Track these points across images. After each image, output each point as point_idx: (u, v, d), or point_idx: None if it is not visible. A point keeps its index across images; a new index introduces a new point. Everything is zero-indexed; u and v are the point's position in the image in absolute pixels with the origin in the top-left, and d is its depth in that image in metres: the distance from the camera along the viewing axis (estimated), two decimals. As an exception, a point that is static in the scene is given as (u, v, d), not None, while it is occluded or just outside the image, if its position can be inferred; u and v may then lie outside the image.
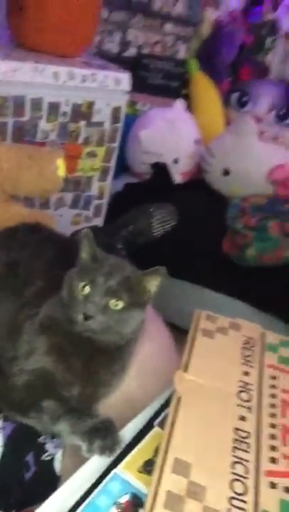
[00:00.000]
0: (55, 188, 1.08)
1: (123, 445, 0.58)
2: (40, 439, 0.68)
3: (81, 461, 0.60)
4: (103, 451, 0.59)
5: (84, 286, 0.65)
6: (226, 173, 1.73)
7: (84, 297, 0.64)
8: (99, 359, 0.68)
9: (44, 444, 0.68)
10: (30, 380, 0.68)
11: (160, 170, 1.82)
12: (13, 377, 0.68)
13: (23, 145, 1.18)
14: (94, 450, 0.60)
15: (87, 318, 0.63)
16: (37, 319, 0.70)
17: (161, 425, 0.59)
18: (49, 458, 0.68)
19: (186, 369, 0.61)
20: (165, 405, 0.62)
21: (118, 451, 0.58)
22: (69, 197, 1.52)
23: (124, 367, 0.71)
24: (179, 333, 0.86)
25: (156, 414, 0.61)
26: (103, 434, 0.61)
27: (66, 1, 1.29)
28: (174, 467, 0.48)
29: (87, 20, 1.40)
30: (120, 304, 0.65)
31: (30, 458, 0.67)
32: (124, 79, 1.43)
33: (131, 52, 2.01)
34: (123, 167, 1.89)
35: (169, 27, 2.04)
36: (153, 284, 0.68)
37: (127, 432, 0.60)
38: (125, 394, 0.71)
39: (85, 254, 0.69)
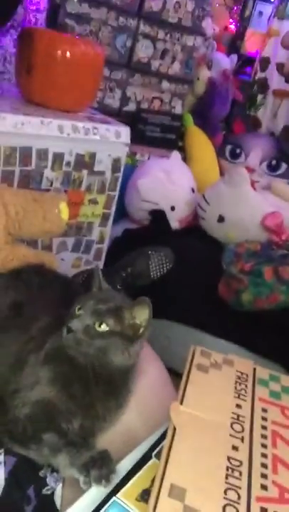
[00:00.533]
0: (59, 230, 1.12)
1: (119, 474, 0.61)
2: (41, 473, 0.70)
3: (80, 492, 0.63)
4: (99, 480, 0.61)
5: (79, 309, 0.70)
6: (221, 219, 1.80)
7: (76, 315, 0.70)
8: (96, 393, 0.71)
9: (45, 477, 0.70)
10: (33, 411, 0.70)
11: (158, 216, 1.90)
12: (15, 409, 0.70)
13: (28, 190, 1.24)
14: (90, 481, 0.62)
15: (69, 331, 0.68)
16: (42, 351, 0.73)
17: (159, 456, 0.62)
18: (49, 492, 0.69)
19: (181, 401, 0.65)
20: (162, 438, 0.65)
21: (114, 481, 0.60)
22: (71, 241, 1.57)
23: (120, 404, 0.74)
24: (176, 377, 0.88)
25: (154, 445, 0.64)
26: (99, 465, 0.63)
27: (71, 64, 1.40)
28: (170, 492, 0.51)
29: (90, 80, 1.51)
30: (104, 327, 0.68)
31: (31, 491, 0.68)
32: (124, 132, 1.52)
33: (130, 107, 2.14)
34: (122, 213, 1.97)
35: (166, 84, 2.18)
36: (141, 315, 0.71)
37: (126, 462, 0.62)
38: (124, 427, 0.74)
39: (94, 288, 0.76)
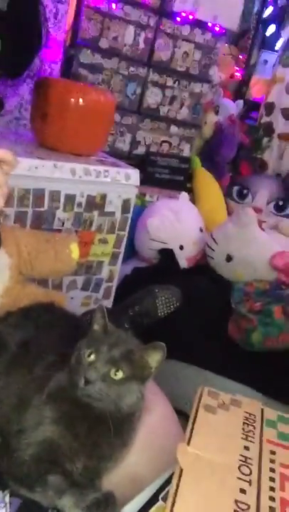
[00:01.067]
0: (69, 270, 1.14)
1: None
2: None
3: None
4: None
5: (90, 354, 0.69)
6: (229, 259, 1.82)
7: (88, 363, 0.68)
8: (100, 431, 0.70)
9: None
10: (37, 452, 0.69)
11: (167, 255, 1.92)
12: (20, 451, 0.70)
13: (40, 231, 1.27)
14: None
15: (87, 382, 0.67)
16: (45, 390, 0.73)
17: (165, 499, 0.61)
18: (56, 534, 0.68)
19: (188, 442, 0.64)
20: (169, 480, 0.64)
21: None
22: (80, 280, 1.60)
23: (125, 443, 0.73)
24: (183, 417, 0.88)
25: (161, 488, 0.63)
26: (104, 507, 0.63)
27: (83, 110, 1.47)
28: (176, 535, 0.50)
29: (102, 126, 1.58)
30: (120, 374, 0.68)
31: (36, 534, 0.67)
32: (134, 174, 1.57)
33: (140, 150, 2.22)
34: (132, 252, 1.99)
35: (174, 129, 2.27)
36: (154, 359, 0.71)
37: (133, 505, 0.61)
38: (130, 470, 0.73)
39: (96, 325, 0.74)
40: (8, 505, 0.67)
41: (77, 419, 0.70)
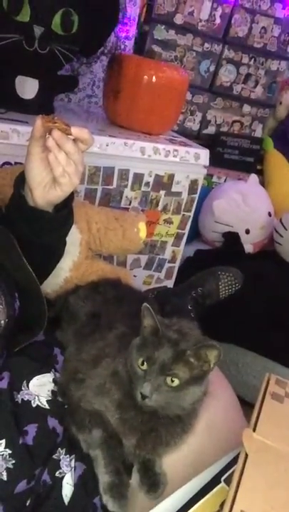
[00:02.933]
0: (136, 249, 1.16)
1: (169, 508, 0.61)
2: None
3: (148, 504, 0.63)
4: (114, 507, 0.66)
5: (142, 363, 0.68)
6: (298, 245, 1.75)
7: (142, 373, 0.67)
8: (158, 420, 0.70)
9: None
10: (90, 412, 0.72)
11: (231, 239, 1.88)
12: (76, 397, 0.73)
13: (110, 208, 1.28)
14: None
15: (144, 397, 0.66)
16: (113, 363, 0.74)
17: (228, 482, 0.61)
18: (115, 503, 0.70)
19: (254, 429, 0.63)
20: (232, 463, 0.63)
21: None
22: (144, 259, 1.61)
23: (185, 429, 0.73)
24: (243, 404, 0.87)
25: (224, 470, 0.63)
26: (115, 491, 0.67)
27: (156, 88, 1.46)
28: (240, 519, 0.50)
29: (174, 104, 1.55)
30: (176, 381, 0.66)
31: (97, 500, 0.70)
32: (203, 155, 1.55)
33: (210, 130, 2.17)
34: (196, 234, 1.98)
35: (247, 108, 2.19)
36: (211, 356, 0.68)
37: (194, 484, 0.62)
38: (194, 450, 0.73)
39: (146, 325, 0.71)
40: (73, 469, 0.70)
41: (133, 407, 0.69)
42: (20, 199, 0.78)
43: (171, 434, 0.71)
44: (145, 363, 0.68)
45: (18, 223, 0.79)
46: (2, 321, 0.72)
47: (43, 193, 0.76)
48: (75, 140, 0.73)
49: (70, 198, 0.80)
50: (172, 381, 0.66)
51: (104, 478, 0.68)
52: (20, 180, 0.78)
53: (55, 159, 0.73)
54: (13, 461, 0.64)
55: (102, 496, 0.67)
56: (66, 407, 0.74)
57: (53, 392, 0.74)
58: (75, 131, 0.72)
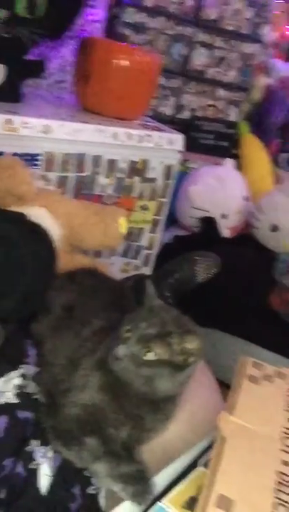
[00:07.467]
0: (117, 244, 1.14)
1: (155, 494, 0.60)
2: (86, 473, 0.71)
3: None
4: (134, 498, 0.62)
5: (127, 330, 0.67)
6: (275, 229, 1.76)
7: (123, 338, 0.66)
8: (143, 406, 0.69)
9: (90, 477, 0.70)
10: (81, 413, 0.70)
11: (208, 224, 1.88)
12: (65, 407, 0.71)
13: (90, 202, 1.26)
14: (126, 496, 0.62)
15: (115, 358, 0.65)
16: (95, 356, 0.73)
17: (206, 465, 0.61)
18: (95, 492, 0.70)
19: (231, 412, 0.63)
20: (210, 447, 0.64)
21: (149, 500, 0.60)
22: (121, 246, 1.59)
23: (167, 417, 0.72)
24: (220, 386, 0.87)
25: (201, 454, 0.63)
26: (136, 482, 0.63)
27: (127, 72, 1.42)
28: (218, 502, 0.49)
29: (146, 89, 1.52)
30: (151, 355, 0.64)
31: (76, 490, 0.69)
32: (178, 140, 1.53)
33: (184, 115, 2.15)
34: (173, 220, 1.97)
35: (221, 92, 2.17)
36: (192, 343, 0.66)
37: (173, 469, 0.62)
38: (173, 436, 0.73)
39: (146, 302, 0.71)
40: (50, 460, 0.69)
41: (123, 390, 0.68)
42: None
43: (154, 422, 0.71)
44: (129, 332, 0.66)
45: None
46: None
47: None
48: None
49: None
50: (146, 354, 0.64)
51: (118, 483, 0.65)
52: None
53: None
54: None
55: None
56: (36, 398, 0.73)
57: (19, 386, 0.73)
58: None
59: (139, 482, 0.63)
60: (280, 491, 0.53)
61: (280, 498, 0.52)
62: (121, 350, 0.65)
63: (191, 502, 0.55)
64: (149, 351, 0.64)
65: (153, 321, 0.67)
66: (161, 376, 0.66)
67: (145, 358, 0.64)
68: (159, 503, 0.55)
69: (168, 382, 0.67)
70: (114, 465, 0.66)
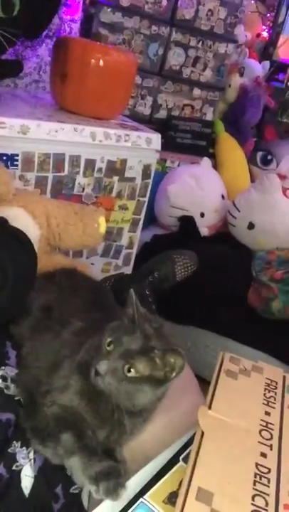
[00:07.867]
0: (96, 244, 1.14)
1: (128, 490, 0.60)
2: (68, 472, 0.71)
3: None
4: (108, 494, 0.61)
5: (109, 343, 0.66)
6: (251, 226, 1.79)
7: (106, 352, 0.65)
8: (121, 412, 0.68)
9: (72, 476, 0.71)
10: (59, 412, 0.70)
11: (187, 222, 1.90)
12: (44, 406, 0.71)
13: (69, 202, 1.25)
14: (100, 493, 0.62)
15: (97, 374, 0.65)
16: (76, 358, 0.72)
17: (186, 460, 0.62)
18: (77, 491, 0.70)
19: (209, 406, 0.65)
20: (190, 442, 0.65)
21: (123, 494, 0.60)
22: (101, 246, 1.59)
23: (146, 419, 0.72)
24: (201, 382, 0.88)
25: (182, 449, 0.64)
26: (109, 478, 0.63)
27: (104, 72, 1.43)
28: (197, 495, 0.51)
29: (123, 88, 1.53)
30: (133, 373, 0.64)
31: (59, 490, 0.69)
32: (155, 139, 1.54)
33: (162, 114, 2.16)
34: (152, 219, 1.98)
35: (197, 92, 2.19)
36: (175, 361, 0.65)
37: (154, 465, 0.63)
38: (153, 433, 0.74)
39: (129, 311, 0.69)
40: (32, 460, 0.69)
41: (101, 396, 0.68)
42: None
43: (134, 424, 0.71)
44: (112, 345, 0.65)
45: None
46: None
47: None
48: None
49: None
50: (129, 371, 0.64)
51: (91, 481, 0.64)
52: None
53: None
54: None
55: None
56: (18, 399, 0.73)
57: (0, 388, 0.73)
58: None
59: (109, 478, 0.63)
60: (258, 482, 0.54)
61: (258, 490, 0.53)
62: (103, 365, 0.64)
63: (173, 497, 0.56)
64: (130, 368, 0.64)
65: (136, 335, 0.66)
66: (141, 391, 0.65)
67: (127, 374, 0.64)
68: (141, 499, 0.56)
69: (148, 396, 0.67)
70: (88, 462, 0.66)
